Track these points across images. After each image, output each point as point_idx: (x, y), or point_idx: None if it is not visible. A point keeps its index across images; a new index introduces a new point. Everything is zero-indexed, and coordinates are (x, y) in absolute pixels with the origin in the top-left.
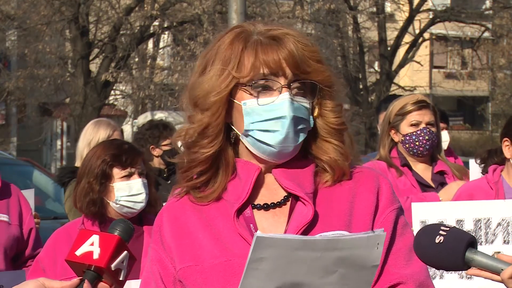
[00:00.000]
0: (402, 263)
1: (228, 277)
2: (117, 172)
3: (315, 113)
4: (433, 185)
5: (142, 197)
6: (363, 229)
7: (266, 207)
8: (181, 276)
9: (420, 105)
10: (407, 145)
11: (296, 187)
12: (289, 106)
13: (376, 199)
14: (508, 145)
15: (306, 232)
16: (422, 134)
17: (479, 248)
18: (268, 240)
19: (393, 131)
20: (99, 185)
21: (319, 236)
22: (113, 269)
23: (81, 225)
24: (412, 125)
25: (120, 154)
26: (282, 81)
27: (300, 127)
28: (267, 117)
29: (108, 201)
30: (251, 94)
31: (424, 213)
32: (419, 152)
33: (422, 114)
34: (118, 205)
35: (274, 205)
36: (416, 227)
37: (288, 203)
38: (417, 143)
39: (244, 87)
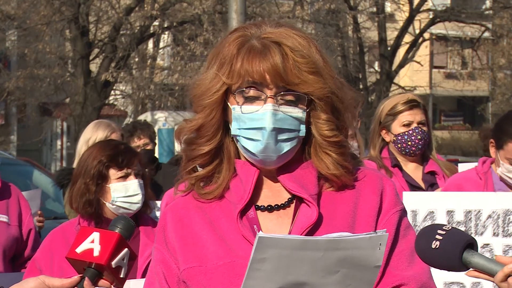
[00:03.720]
0: (405, 264)
1: (232, 278)
2: (113, 173)
3: (311, 123)
4: (423, 185)
5: (139, 198)
6: (367, 231)
7: (270, 208)
8: (185, 276)
9: (411, 104)
10: (399, 145)
11: (300, 189)
12: (270, 117)
13: (380, 200)
14: (493, 146)
15: (310, 233)
16: (414, 133)
17: None
18: (270, 240)
19: (384, 131)
20: (96, 185)
21: (322, 236)
22: (113, 266)
23: (77, 226)
24: (404, 125)
25: (116, 155)
26: (267, 91)
27: (283, 137)
28: (250, 126)
29: (104, 201)
30: (236, 101)
31: (414, 202)
32: (411, 151)
33: (414, 114)
34: (114, 206)
35: (278, 207)
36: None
37: (292, 205)
38: (409, 143)
39: (233, 94)
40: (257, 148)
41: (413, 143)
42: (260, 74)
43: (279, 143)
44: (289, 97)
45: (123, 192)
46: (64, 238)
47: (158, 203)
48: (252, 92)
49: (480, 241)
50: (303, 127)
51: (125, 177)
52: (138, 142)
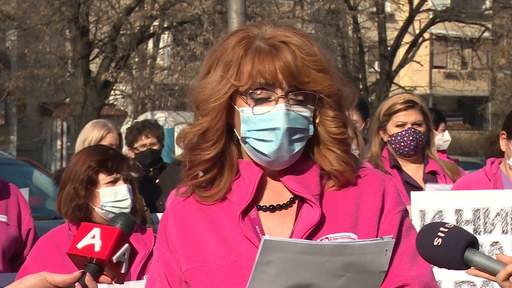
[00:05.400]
0: (407, 265)
1: (234, 278)
2: (102, 177)
3: (317, 121)
4: (423, 185)
5: (128, 202)
6: (369, 231)
7: (272, 208)
8: (187, 277)
9: (407, 105)
10: (393, 146)
11: (302, 189)
12: (284, 117)
13: (382, 200)
14: (504, 138)
15: (313, 234)
16: (407, 134)
17: (478, 238)
18: (275, 243)
19: (381, 131)
20: (85, 190)
21: (327, 239)
22: (114, 261)
23: (68, 231)
24: (397, 125)
25: (105, 159)
26: (278, 91)
27: (295, 137)
28: (262, 127)
29: (94, 206)
30: (247, 103)
31: (423, 202)
32: (404, 152)
33: (408, 115)
34: (103, 211)
35: (280, 207)
36: (415, 216)
37: (295, 205)
38: (402, 144)
39: (242, 96)
40: (270, 149)
41: (405, 144)
42: (273, 74)
43: (292, 143)
44: (300, 97)
45: (113, 197)
46: (55, 245)
47: (158, 215)
48: (263, 93)
49: (489, 239)
50: (311, 127)
51: (114, 182)
52: (145, 141)
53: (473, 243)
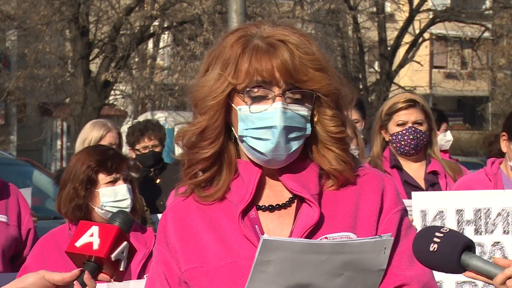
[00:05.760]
0: (406, 264)
1: (234, 278)
2: (102, 177)
3: (315, 120)
4: (424, 185)
5: (127, 202)
6: (368, 231)
7: (271, 208)
8: (186, 277)
9: (407, 104)
10: (394, 145)
11: (301, 188)
12: (281, 115)
13: (381, 200)
14: (505, 139)
15: (312, 233)
16: (407, 133)
17: (479, 238)
18: (274, 243)
19: (383, 131)
20: (85, 190)
21: (326, 239)
22: (113, 259)
23: (69, 231)
24: (398, 124)
25: (105, 159)
26: (275, 89)
27: (293, 136)
28: (259, 125)
29: (93, 206)
30: (244, 101)
31: (424, 202)
32: (405, 151)
33: (409, 114)
34: (103, 211)
35: (279, 207)
36: (416, 217)
37: (294, 205)
38: (402, 143)
39: (239, 94)
40: (267, 147)
41: (406, 142)
42: (270, 72)
43: (289, 141)
44: (297, 96)
45: (112, 197)
46: (56, 244)
47: (158, 216)
48: (260, 92)
49: (490, 239)
50: (309, 126)
51: (114, 182)
52: (148, 143)
53: (470, 247)
